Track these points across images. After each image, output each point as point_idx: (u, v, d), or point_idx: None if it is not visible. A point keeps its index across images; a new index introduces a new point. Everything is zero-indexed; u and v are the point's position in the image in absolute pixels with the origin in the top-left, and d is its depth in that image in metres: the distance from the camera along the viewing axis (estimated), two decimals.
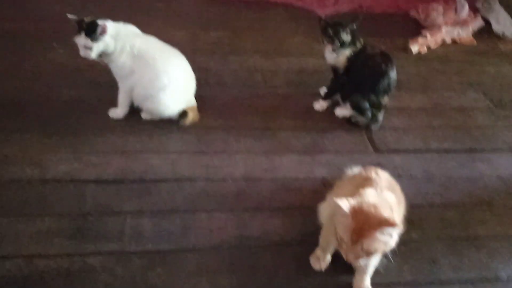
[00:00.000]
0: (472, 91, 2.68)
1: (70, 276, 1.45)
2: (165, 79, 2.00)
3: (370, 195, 1.29)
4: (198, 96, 2.23)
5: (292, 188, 1.90)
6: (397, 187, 1.49)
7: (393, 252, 1.53)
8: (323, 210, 1.58)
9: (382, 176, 1.45)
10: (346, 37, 2.12)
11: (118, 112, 2.15)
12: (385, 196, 1.32)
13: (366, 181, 1.41)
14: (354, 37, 2.15)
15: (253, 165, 1.99)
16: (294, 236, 1.68)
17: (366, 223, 1.21)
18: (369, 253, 1.26)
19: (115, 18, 2.07)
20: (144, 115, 2.16)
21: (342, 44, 2.15)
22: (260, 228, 1.70)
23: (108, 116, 2.15)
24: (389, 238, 1.24)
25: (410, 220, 1.74)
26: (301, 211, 1.78)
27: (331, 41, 2.14)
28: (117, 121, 2.14)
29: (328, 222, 1.49)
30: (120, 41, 1.98)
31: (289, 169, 1.99)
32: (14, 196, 1.70)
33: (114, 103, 2.15)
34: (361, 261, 1.30)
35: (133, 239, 1.59)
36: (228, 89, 2.49)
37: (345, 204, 1.23)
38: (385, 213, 1.23)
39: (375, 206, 1.23)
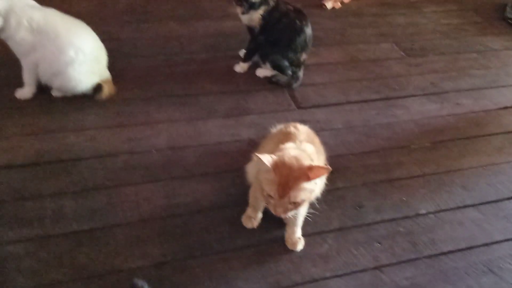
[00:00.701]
0: (385, 42, 2.78)
1: None
2: (71, 52, 1.88)
3: (290, 148, 1.30)
4: (112, 68, 2.12)
5: (219, 152, 1.89)
6: (316, 139, 1.52)
7: (320, 201, 1.60)
8: (250, 170, 1.59)
9: (301, 130, 1.47)
10: None
11: (25, 92, 2.00)
12: (305, 148, 1.34)
13: (286, 136, 1.42)
14: None
15: (177, 133, 1.95)
16: (224, 199, 1.68)
17: (290, 175, 1.23)
18: (296, 204, 1.28)
19: None
20: (55, 93, 2.03)
21: (252, 5, 2.12)
22: (190, 195, 1.68)
23: (15, 97, 2.00)
24: (314, 186, 1.27)
25: (335, 169, 1.80)
26: (229, 174, 1.78)
27: (240, 3, 2.11)
28: (26, 101, 2.00)
29: (255, 181, 1.50)
30: (14, 15, 1.82)
31: (214, 133, 1.97)
32: None
33: (20, 83, 2.00)
34: (290, 213, 1.33)
35: (55, 222, 1.51)
36: (144, 58, 2.39)
37: (267, 159, 1.24)
38: (306, 163, 1.25)
39: (296, 158, 1.25)
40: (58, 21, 1.92)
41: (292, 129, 1.46)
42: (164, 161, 1.81)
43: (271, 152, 1.36)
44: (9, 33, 1.84)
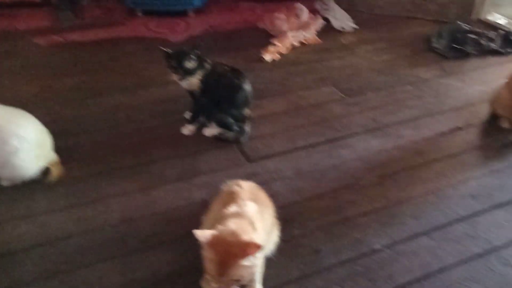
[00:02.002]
0: (325, 86, 2.91)
1: None
2: (14, 142, 1.89)
3: (230, 219, 1.31)
4: (60, 149, 2.13)
5: (174, 218, 1.90)
6: (261, 194, 1.56)
7: (277, 253, 1.62)
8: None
9: (245, 187, 1.51)
10: (190, 64, 2.18)
11: None
12: (247, 209, 1.37)
13: (230, 196, 1.46)
14: (201, 60, 2.22)
15: (130, 205, 1.95)
16: (183, 266, 1.68)
17: (228, 252, 1.22)
18: (238, 281, 1.28)
19: None
20: (3, 182, 2.01)
21: (188, 72, 2.20)
22: (147, 267, 1.67)
23: None
24: (254, 260, 1.26)
25: (289, 218, 1.85)
26: (186, 239, 1.77)
27: (176, 71, 2.19)
28: None
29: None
30: None
31: (167, 200, 1.99)
32: None
33: None
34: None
35: None
36: (91, 134, 2.41)
37: (205, 236, 1.23)
38: (246, 236, 1.25)
39: (234, 233, 1.25)
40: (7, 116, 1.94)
41: (235, 188, 1.50)
42: (119, 236, 1.80)
43: (217, 215, 1.40)
44: None
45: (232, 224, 1.29)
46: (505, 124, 2.47)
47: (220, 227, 1.28)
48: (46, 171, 2.02)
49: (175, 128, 2.44)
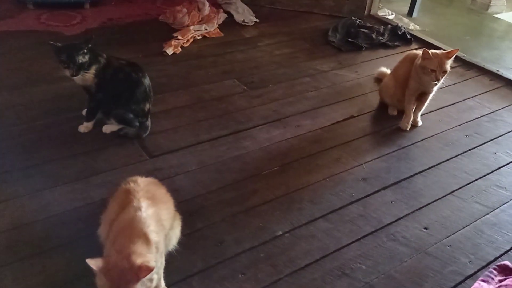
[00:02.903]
0: (228, 79, 2.93)
1: None
2: None
3: (122, 237, 1.28)
4: None
5: (71, 219, 1.81)
6: (158, 191, 1.54)
7: (181, 247, 1.61)
8: (102, 233, 1.54)
9: (141, 185, 1.46)
10: (82, 58, 2.08)
11: None
12: (141, 213, 1.33)
13: (126, 195, 1.42)
14: (94, 55, 2.13)
15: (21, 210, 1.83)
16: (83, 269, 1.56)
17: (122, 279, 1.17)
18: None
19: None
20: None
21: (80, 66, 2.09)
22: (41, 273, 1.58)
23: None
24: (148, 282, 1.22)
25: (193, 211, 1.85)
26: (85, 240, 1.70)
27: (67, 67, 2.08)
28: None
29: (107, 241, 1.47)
30: None
31: (63, 201, 1.89)
32: None
33: None
34: None
35: None
36: None
37: (97, 264, 1.18)
38: (137, 257, 1.21)
39: (127, 257, 1.20)
40: None
41: (131, 185, 1.46)
42: (9, 243, 1.68)
43: (114, 215, 1.36)
44: None
45: (123, 243, 1.25)
46: (393, 112, 2.67)
47: (110, 250, 1.23)
48: None
49: (71, 126, 2.32)
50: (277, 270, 1.67)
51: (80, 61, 2.06)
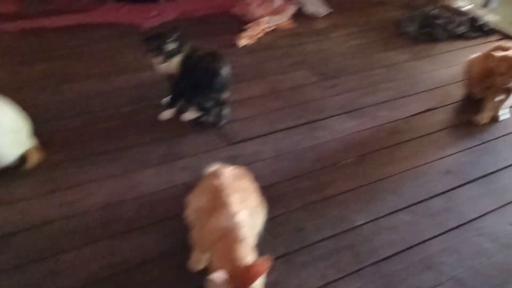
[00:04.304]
0: (301, 69, 2.93)
1: None
2: None
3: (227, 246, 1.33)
4: (37, 135, 2.08)
5: (156, 201, 1.89)
6: (245, 181, 1.57)
7: (263, 232, 1.64)
8: (189, 216, 1.60)
9: (228, 178, 1.50)
10: (171, 46, 2.16)
11: None
12: (236, 223, 1.37)
13: (216, 192, 1.45)
14: (180, 43, 2.21)
15: (112, 189, 1.94)
16: (168, 247, 1.68)
17: (243, 282, 1.25)
18: None
19: None
20: None
21: (169, 55, 2.18)
22: (133, 249, 1.67)
23: None
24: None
25: (272, 197, 1.88)
26: (169, 221, 1.78)
27: (157, 54, 2.17)
28: None
29: (195, 222, 1.52)
30: None
31: (149, 183, 1.98)
32: None
33: None
34: None
35: None
36: (67, 119, 2.37)
37: (220, 277, 1.24)
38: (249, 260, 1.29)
39: (238, 263, 1.28)
40: None
41: (219, 180, 1.48)
42: (103, 220, 1.79)
43: (202, 204, 1.43)
44: None
45: (226, 252, 1.31)
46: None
47: (232, 262, 1.30)
48: (23, 158, 1.97)
49: (152, 113, 2.42)
50: (359, 259, 1.66)
51: (168, 49, 2.15)
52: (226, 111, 2.39)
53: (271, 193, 1.93)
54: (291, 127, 2.38)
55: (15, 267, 1.57)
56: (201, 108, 2.33)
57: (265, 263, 1.25)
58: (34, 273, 1.55)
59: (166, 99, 2.45)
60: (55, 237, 1.69)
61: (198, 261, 1.58)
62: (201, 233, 1.45)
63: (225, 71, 2.32)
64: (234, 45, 3.17)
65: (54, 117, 2.38)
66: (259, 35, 3.32)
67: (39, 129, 2.15)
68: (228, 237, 1.35)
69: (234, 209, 1.40)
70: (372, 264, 1.65)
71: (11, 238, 1.69)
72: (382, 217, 1.85)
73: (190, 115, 2.38)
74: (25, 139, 2.01)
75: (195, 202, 1.56)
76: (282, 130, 2.36)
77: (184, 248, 1.62)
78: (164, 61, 2.19)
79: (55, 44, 3.13)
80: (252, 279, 1.24)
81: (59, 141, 2.21)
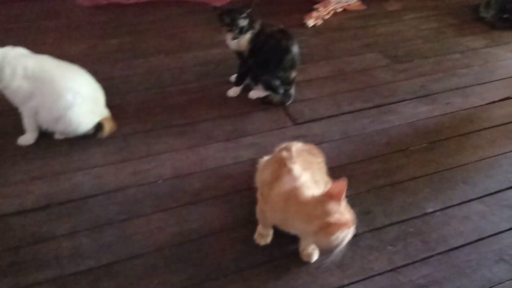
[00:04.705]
0: (370, 52, 2.86)
1: None
2: (68, 96, 1.93)
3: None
4: (110, 105, 2.16)
5: (223, 175, 1.92)
6: (312, 156, 1.57)
7: None
8: (256, 190, 1.62)
9: (296, 152, 1.51)
10: (243, 22, 2.17)
11: (27, 138, 2.04)
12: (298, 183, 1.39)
13: (281, 163, 1.47)
14: (251, 20, 2.21)
15: (180, 162, 1.98)
16: (234, 220, 1.71)
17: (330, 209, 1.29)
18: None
19: (3, 43, 1.96)
20: (57, 136, 2.07)
21: (241, 30, 2.19)
22: (200, 219, 1.71)
23: (19, 145, 2.04)
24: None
25: (339, 179, 1.85)
26: (235, 195, 1.81)
27: (230, 29, 2.18)
28: (29, 147, 2.04)
29: (261, 198, 1.54)
30: (8, 65, 1.87)
31: (216, 157, 2.01)
32: None
33: (22, 130, 2.04)
34: None
35: (73, 261, 1.52)
36: (139, 93, 2.45)
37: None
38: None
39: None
40: (52, 67, 1.97)
41: (285, 153, 1.49)
42: (171, 190, 1.84)
43: (269, 178, 1.46)
44: (5, 83, 1.89)
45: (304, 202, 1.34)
46: None
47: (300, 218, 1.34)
48: (98, 127, 2.06)
49: (220, 90, 2.45)
50: (428, 246, 1.61)
51: (241, 25, 2.16)
52: (293, 90, 2.37)
53: (338, 175, 1.87)
54: (359, 110, 2.33)
55: (91, 228, 1.65)
56: (268, 86, 2.33)
57: (342, 182, 1.28)
58: (108, 235, 1.62)
59: (233, 77, 2.47)
60: (127, 203, 1.77)
61: (263, 235, 1.60)
62: (267, 205, 1.45)
63: (295, 49, 2.30)
64: (302, 25, 3.13)
65: (126, 90, 2.47)
66: (328, 16, 3.26)
67: (113, 101, 2.24)
68: (295, 194, 1.35)
69: (297, 172, 1.41)
70: (442, 252, 1.59)
71: (87, 200, 1.78)
72: (453, 206, 1.77)
73: (257, 93, 2.39)
74: (101, 109, 2.10)
75: (261, 177, 1.58)
76: (349, 112, 2.31)
77: (249, 222, 1.64)
78: (236, 37, 2.20)
79: (128, 19, 3.23)
80: (338, 197, 1.28)
81: (131, 113, 2.29)
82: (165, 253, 1.57)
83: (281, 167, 1.46)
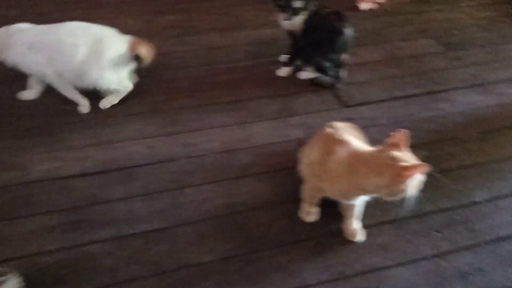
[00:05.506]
0: (423, 38, 2.80)
1: (72, 267, 1.47)
2: (80, 50, 2.01)
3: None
4: (162, 81, 2.24)
5: (270, 152, 1.96)
6: (357, 133, 1.59)
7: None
8: (302, 171, 1.65)
9: (341, 128, 1.55)
10: (298, 3, 2.17)
11: (81, 108, 2.16)
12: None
13: (328, 139, 1.50)
14: (306, 1, 2.20)
15: (229, 137, 2.04)
16: (280, 196, 1.75)
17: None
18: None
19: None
20: (105, 103, 2.17)
21: (295, 11, 2.20)
22: (247, 193, 1.76)
23: (78, 112, 2.15)
24: None
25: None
26: (282, 172, 1.84)
27: (284, 10, 2.19)
28: (88, 116, 2.14)
29: (309, 178, 1.57)
30: (12, 42, 2.02)
31: (264, 135, 2.05)
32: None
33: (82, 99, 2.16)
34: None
35: (128, 223, 1.61)
36: (190, 68, 2.51)
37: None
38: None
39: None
40: (56, 32, 2.05)
41: (331, 130, 1.53)
42: (220, 164, 1.90)
43: (314, 157, 1.49)
44: (14, 58, 2.03)
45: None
46: None
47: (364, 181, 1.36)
48: (137, 57, 2.11)
49: (270, 70, 2.48)
50: (474, 235, 1.60)
51: (296, 6, 2.17)
52: (344, 73, 2.37)
53: None
54: (409, 96, 2.30)
55: (145, 194, 1.73)
56: (319, 68, 2.33)
57: (401, 131, 1.33)
58: (160, 202, 1.70)
59: (284, 56, 2.49)
60: (178, 173, 1.84)
61: (308, 213, 1.63)
62: (325, 181, 1.48)
63: (348, 32, 2.28)
64: (355, 8, 3.09)
65: (178, 65, 2.53)
66: (382, 0, 3.21)
67: (165, 75, 2.32)
68: (358, 155, 1.39)
69: (350, 138, 1.46)
70: (488, 242, 1.58)
71: (141, 168, 1.86)
72: (503, 197, 1.74)
73: (307, 74, 2.40)
74: (124, 47, 2.11)
75: (308, 157, 1.60)
76: (399, 97, 2.29)
77: (294, 199, 1.68)
78: (289, 17, 2.21)
79: None
80: (401, 146, 1.33)
81: (182, 88, 2.36)
82: (214, 222, 1.63)
83: (330, 141, 1.48)
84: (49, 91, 2.21)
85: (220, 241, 1.56)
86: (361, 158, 1.38)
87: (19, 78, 2.20)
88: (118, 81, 2.13)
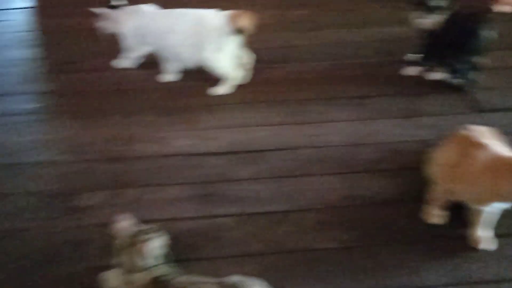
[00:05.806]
0: None
1: (203, 235, 1.60)
2: (181, 35, 2.21)
3: None
4: (289, 72, 2.31)
5: (396, 150, 1.94)
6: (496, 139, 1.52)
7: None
8: (431, 170, 1.61)
9: (479, 129, 1.50)
10: (435, 2, 2.12)
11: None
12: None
13: (466, 141, 1.45)
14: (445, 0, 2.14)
15: (353, 132, 2.05)
16: (403, 195, 1.73)
17: None
18: None
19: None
20: (222, 90, 2.29)
21: (431, 10, 2.14)
22: (369, 188, 1.76)
23: (215, 96, 2.31)
24: None
25: None
26: (407, 171, 1.82)
27: (419, 8, 2.14)
28: (223, 98, 2.28)
29: (439, 181, 1.54)
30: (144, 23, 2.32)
31: (389, 133, 2.04)
32: (143, 170, 1.89)
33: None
34: None
35: (253, 202, 1.71)
36: (318, 62, 2.56)
37: None
38: None
39: None
40: (164, 17, 2.31)
41: (468, 132, 1.48)
42: (343, 157, 1.92)
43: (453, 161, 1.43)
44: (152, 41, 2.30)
45: None
46: None
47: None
48: (238, 31, 2.19)
49: (396, 68, 2.43)
50: None
51: (432, 5, 2.12)
52: (477, 76, 2.25)
53: None
54: None
55: (270, 177, 1.83)
56: (452, 69, 2.24)
57: None
58: (285, 186, 1.78)
59: (411, 55, 2.42)
60: (302, 161, 1.90)
61: (432, 214, 1.59)
62: (459, 184, 1.45)
63: (486, 33, 2.16)
64: (488, 10, 2.89)
65: (306, 58, 2.60)
66: None
67: (293, 67, 2.39)
68: (503, 159, 1.35)
69: (493, 142, 1.42)
70: None
71: (265, 153, 1.96)
72: None
73: (438, 74, 2.31)
74: (223, 28, 2.20)
75: (440, 159, 1.56)
76: None
77: (418, 200, 1.64)
78: (425, 16, 2.15)
79: None
80: None
81: (307, 80, 2.42)
82: (335, 212, 1.67)
83: (468, 144, 1.45)
84: (187, 75, 2.40)
85: (341, 231, 1.59)
86: (508, 163, 1.32)
87: (157, 64, 2.43)
88: (227, 61, 2.23)
